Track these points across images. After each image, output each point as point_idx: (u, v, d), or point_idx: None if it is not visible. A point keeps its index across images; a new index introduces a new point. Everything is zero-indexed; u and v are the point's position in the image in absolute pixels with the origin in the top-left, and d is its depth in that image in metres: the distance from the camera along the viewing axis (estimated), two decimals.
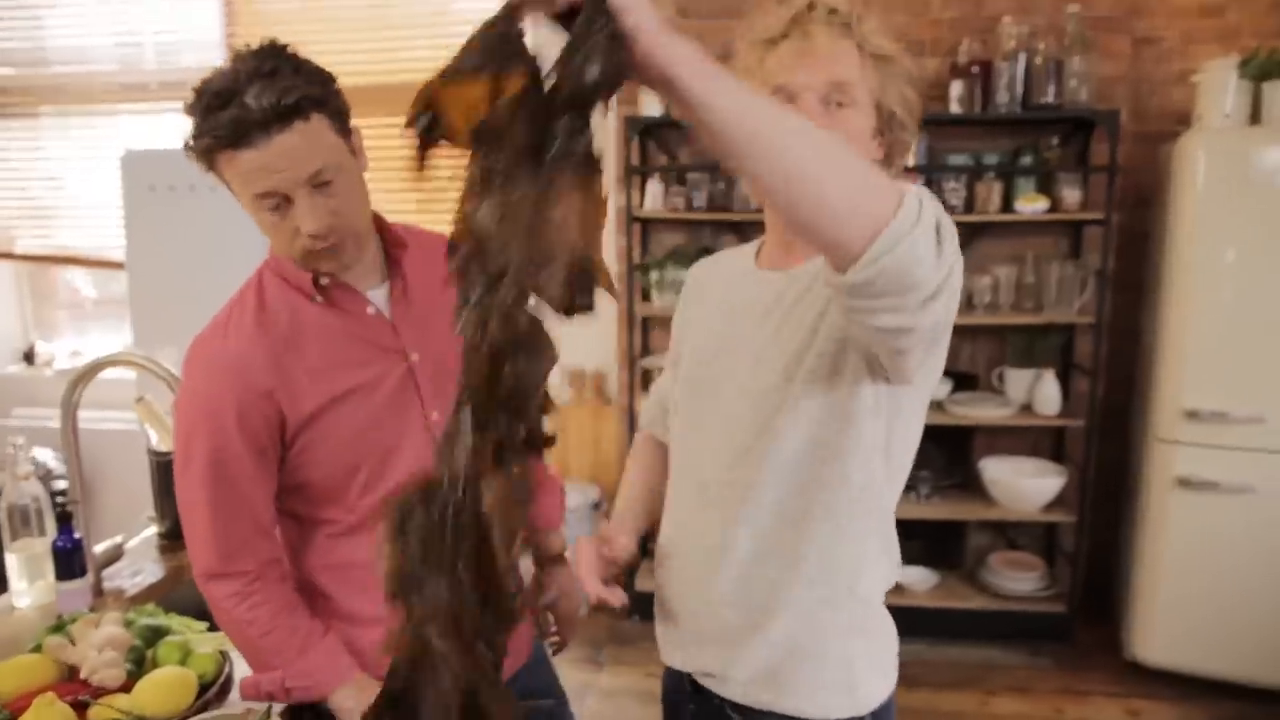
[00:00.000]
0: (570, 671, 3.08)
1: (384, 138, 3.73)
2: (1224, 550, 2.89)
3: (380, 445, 1.22)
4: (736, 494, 1.12)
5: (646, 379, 3.48)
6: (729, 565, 1.13)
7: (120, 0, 3.90)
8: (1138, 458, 3.15)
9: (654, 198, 3.26)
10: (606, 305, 3.05)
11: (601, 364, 3.63)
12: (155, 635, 1.36)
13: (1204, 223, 2.80)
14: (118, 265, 3.80)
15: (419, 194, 3.74)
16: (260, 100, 1.06)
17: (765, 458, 1.09)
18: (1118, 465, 3.31)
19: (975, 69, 3.05)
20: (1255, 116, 2.83)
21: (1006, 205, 3.10)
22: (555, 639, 1.54)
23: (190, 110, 1.10)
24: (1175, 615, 2.98)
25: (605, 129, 0.74)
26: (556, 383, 3.73)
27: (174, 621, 1.41)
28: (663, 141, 3.44)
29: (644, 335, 3.55)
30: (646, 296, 3.37)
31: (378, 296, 1.26)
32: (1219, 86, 2.87)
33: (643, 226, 3.46)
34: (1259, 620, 2.87)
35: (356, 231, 1.20)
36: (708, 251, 3.35)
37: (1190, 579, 2.94)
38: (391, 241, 1.29)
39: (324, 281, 1.22)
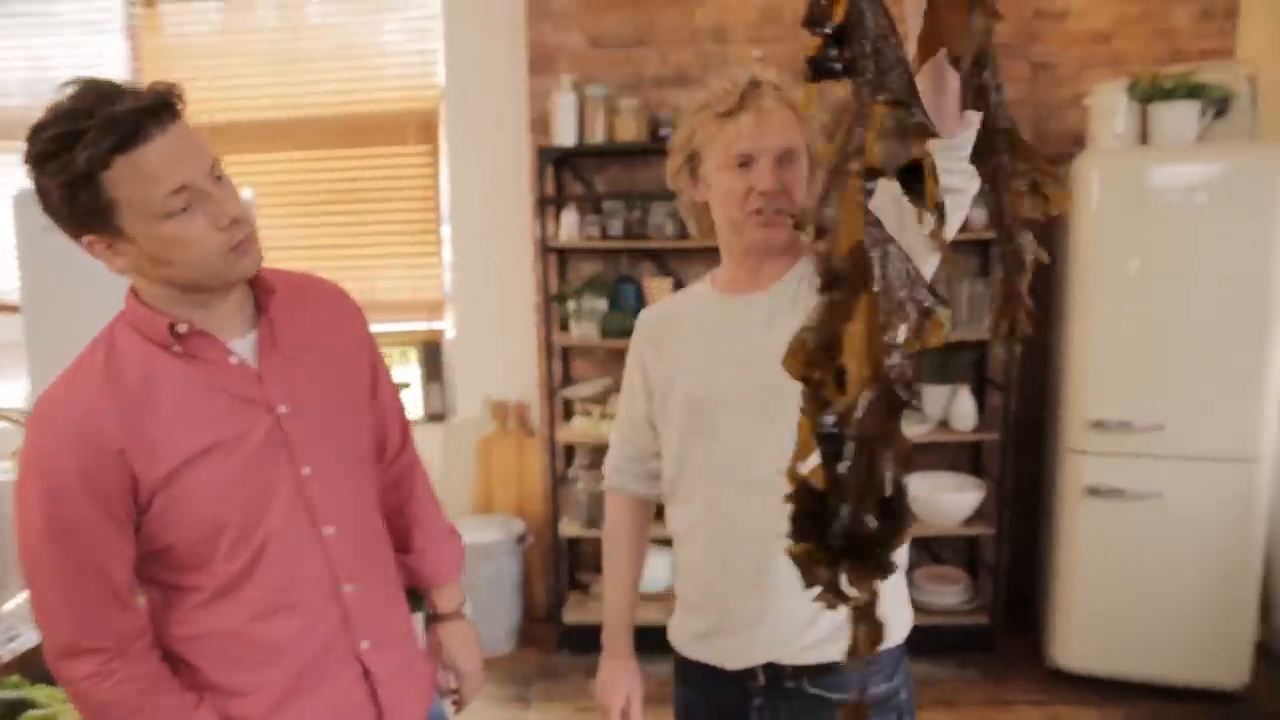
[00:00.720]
0: (496, 711, 3.03)
1: (293, 172, 3.70)
2: (1134, 555, 2.98)
3: (246, 504, 1.15)
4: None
5: (568, 409, 3.45)
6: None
7: (27, 35, 3.78)
8: (1050, 469, 3.23)
9: (570, 227, 3.25)
10: (527, 335, 3.04)
11: (524, 395, 3.60)
12: (15, 710, 1.28)
13: (1100, 239, 2.90)
14: (12, 309, 3.65)
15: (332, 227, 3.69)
16: (137, 101, 1.01)
17: None
18: (1033, 477, 3.39)
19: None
20: (1144, 137, 2.95)
21: None
22: (455, 696, 1.50)
23: (52, 142, 1.01)
24: (1091, 621, 3.05)
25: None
26: (479, 415, 3.69)
27: (40, 694, 1.33)
28: (578, 170, 3.44)
29: (565, 365, 3.53)
30: (565, 326, 3.35)
31: (243, 345, 1.19)
32: (1110, 109, 2.98)
33: (560, 256, 3.45)
34: (1169, 621, 2.95)
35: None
36: (627, 280, 3.37)
37: (1103, 585, 3.02)
38: (260, 286, 1.21)
39: (182, 329, 1.13)
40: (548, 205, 3.28)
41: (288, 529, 1.19)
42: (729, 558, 1.33)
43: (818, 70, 0.78)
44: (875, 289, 0.76)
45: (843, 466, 0.76)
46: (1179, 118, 2.87)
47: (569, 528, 3.35)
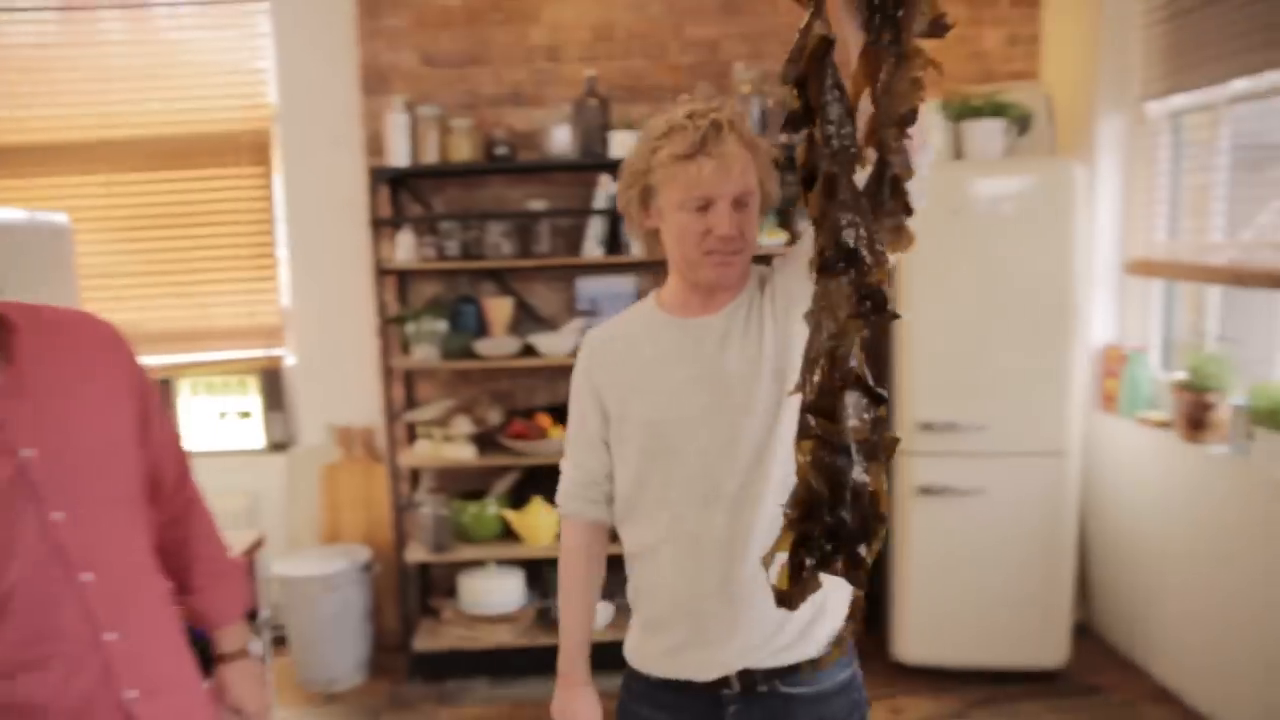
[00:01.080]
0: None
1: (116, 195, 3.52)
2: (962, 548, 3.13)
3: None
4: (753, 494, 1.32)
5: (412, 433, 3.39)
6: (752, 554, 1.31)
7: None
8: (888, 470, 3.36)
9: (406, 248, 3.20)
10: (369, 360, 2.94)
11: (369, 420, 3.52)
12: None
13: (920, 250, 3.04)
14: None
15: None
16: None
17: (774, 454, 1.31)
18: None
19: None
20: (958, 152, 3.12)
21: None
22: None
23: None
24: (928, 614, 3.19)
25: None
26: (323, 443, 3.58)
27: None
28: (415, 191, 3.40)
29: (408, 388, 3.47)
30: (407, 349, 3.29)
31: None
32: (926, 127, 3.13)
33: (400, 278, 3.39)
34: (996, 609, 3.10)
35: None
36: (467, 300, 3.33)
37: (936, 578, 3.16)
38: (3, 326, 1.15)
39: None
40: (383, 226, 3.22)
41: (36, 578, 1.13)
42: (698, 571, 1.35)
43: (794, 124, 0.98)
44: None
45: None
46: (987, 134, 3.06)
47: (416, 553, 3.28)
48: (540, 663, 3.26)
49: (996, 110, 3.03)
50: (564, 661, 1.49)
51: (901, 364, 3.14)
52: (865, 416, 0.96)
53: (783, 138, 1.47)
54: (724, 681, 1.36)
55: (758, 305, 1.36)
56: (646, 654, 1.43)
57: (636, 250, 1.46)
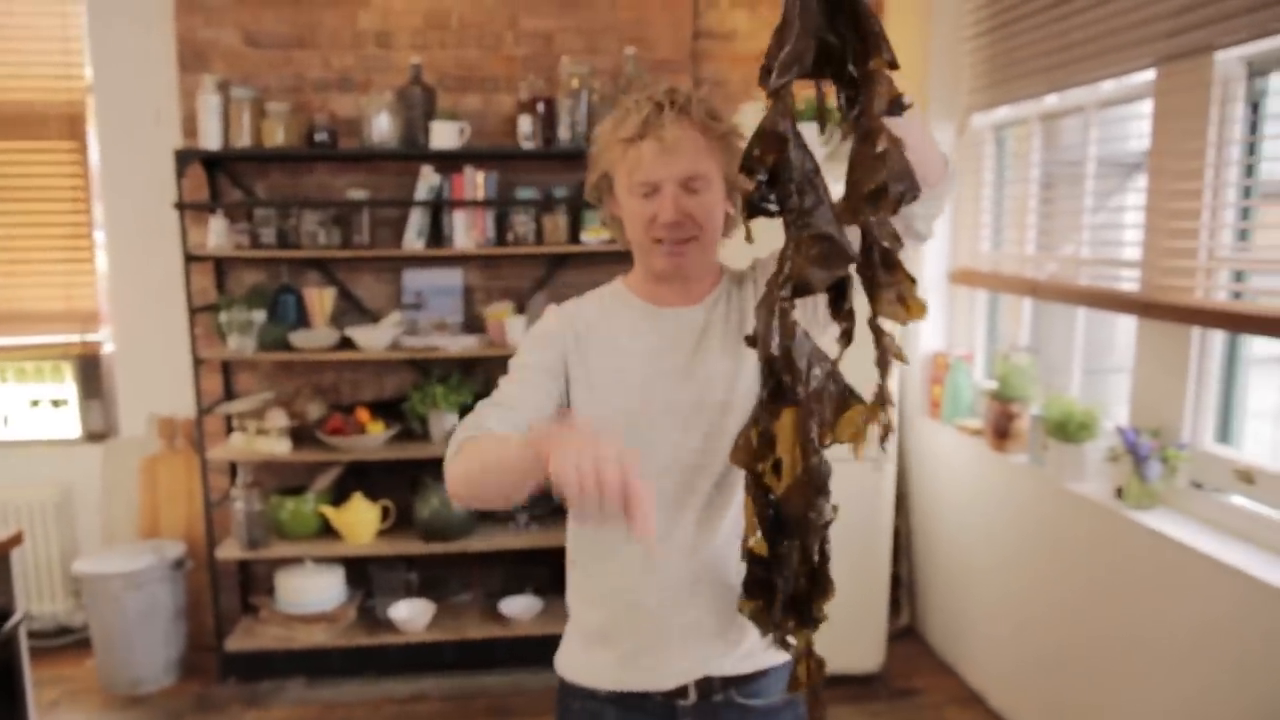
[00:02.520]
0: None
1: None
2: None
3: None
4: (726, 498, 1.29)
5: (230, 426, 3.28)
6: (720, 554, 1.29)
7: None
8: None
9: (219, 235, 3.08)
10: (189, 349, 2.79)
11: (191, 411, 3.38)
12: None
13: (742, 251, 3.04)
14: None
15: None
16: None
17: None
18: None
19: (540, 105, 3.14)
20: None
21: (574, 236, 3.21)
22: None
23: None
24: None
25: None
26: (144, 434, 3.45)
27: None
28: (235, 176, 3.27)
29: (226, 379, 3.36)
30: (224, 339, 3.17)
31: None
32: (751, 127, 3.13)
33: (217, 266, 3.27)
34: None
35: None
36: (288, 290, 3.23)
37: None
38: None
39: None
40: (194, 211, 3.10)
41: None
42: (663, 574, 1.28)
43: (752, 210, 1.03)
44: (800, 395, 1.00)
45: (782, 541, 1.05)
46: (809, 139, 3.05)
47: (230, 549, 3.18)
48: (359, 663, 3.22)
49: (818, 114, 3.02)
50: (532, 438, 1.05)
51: None
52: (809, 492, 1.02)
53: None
54: (681, 691, 1.31)
55: (739, 300, 1.32)
56: (594, 667, 1.35)
57: (620, 243, 1.35)
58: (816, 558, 1.05)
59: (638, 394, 1.28)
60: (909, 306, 1.00)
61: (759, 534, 1.07)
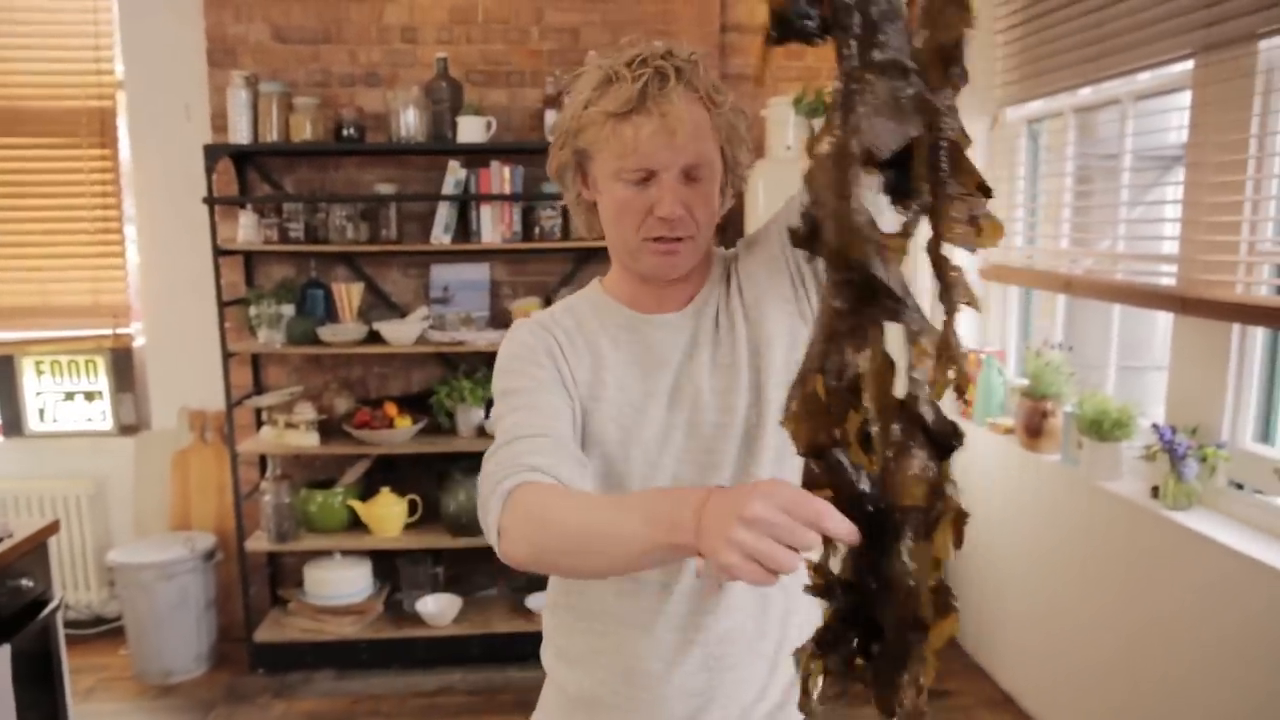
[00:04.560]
0: None
1: None
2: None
3: None
4: None
5: (259, 418, 3.31)
6: (732, 602, 1.10)
7: None
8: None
9: (248, 229, 3.11)
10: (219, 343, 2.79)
11: (222, 404, 3.41)
12: None
13: None
14: None
15: None
16: None
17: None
18: None
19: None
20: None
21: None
22: None
23: None
24: None
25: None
26: (175, 427, 3.49)
27: None
28: (264, 171, 3.29)
29: (256, 373, 3.38)
30: (253, 332, 3.20)
31: None
32: (780, 122, 3.11)
33: (247, 259, 3.30)
34: None
35: None
36: (316, 285, 3.25)
37: None
38: None
39: None
40: (224, 206, 3.13)
41: None
42: (663, 629, 1.08)
43: (784, 27, 0.66)
44: (903, 304, 0.66)
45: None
46: None
47: (259, 541, 3.21)
48: (386, 656, 3.23)
49: None
50: (645, 504, 0.87)
51: None
52: (927, 471, 0.67)
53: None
54: None
55: (724, 303, 1.12)
56: None
57: (583, 232, 1.16)
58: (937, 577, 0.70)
59: (626, 417, 1.09)
60: (982, 228, 0.69)
61: (839, 549, 0.73)
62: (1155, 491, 2.35)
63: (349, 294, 3.21)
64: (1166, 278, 2.42)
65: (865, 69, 0.65)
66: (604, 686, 1.11)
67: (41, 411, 3.49)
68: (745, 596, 1.09)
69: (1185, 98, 2.34)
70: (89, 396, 3.51)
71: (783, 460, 1.08)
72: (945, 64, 0.67)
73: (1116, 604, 2.47)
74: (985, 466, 3.19)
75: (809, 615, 0.82)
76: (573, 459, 0.99)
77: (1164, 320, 2.56)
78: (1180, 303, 2.30)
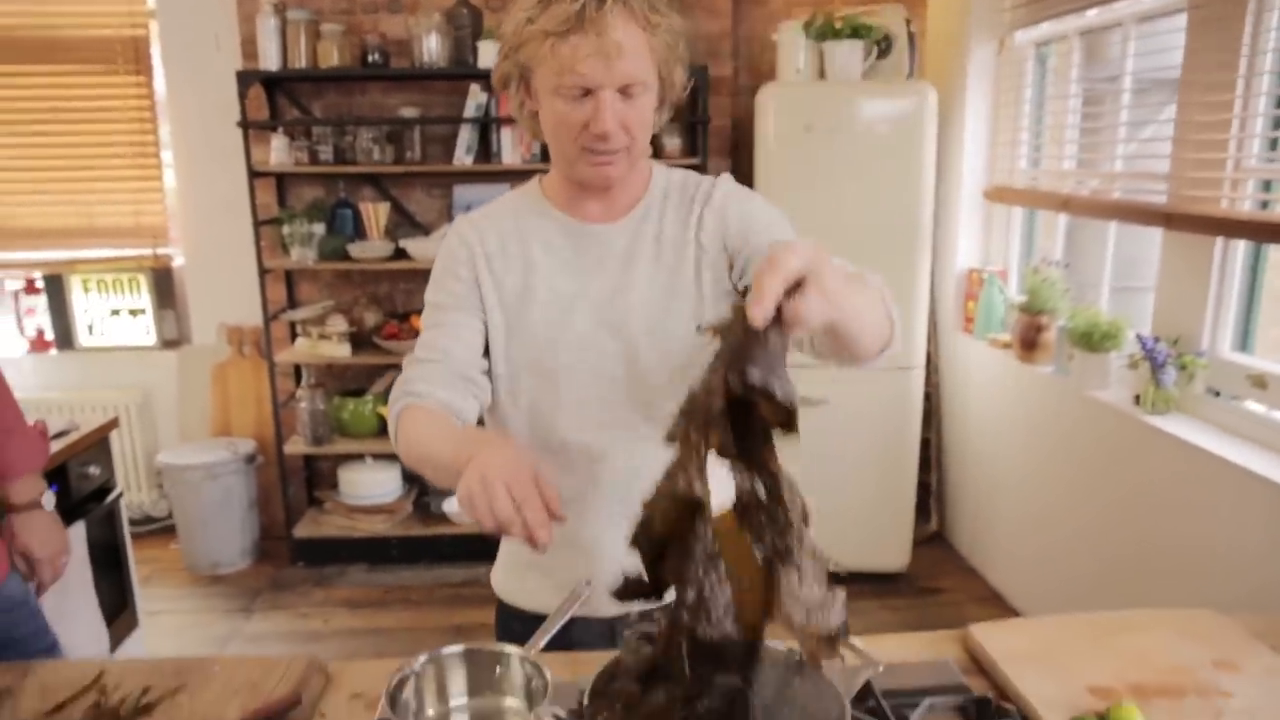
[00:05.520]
0: (216, 622, 3.13)
1: None
2: (811, 457, 3.27)
3: None
4: (655, 427, 1.12)
5: (294, 332, 3.50)
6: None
7: None
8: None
9: (280, 152, 3.25)
10: (255, 261, 2.94)
11: (258, 319, 3.60)
12: None
13: (775, 165, 3.13)
14: None
15: None
16: None
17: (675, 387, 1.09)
18: None
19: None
20: (821, 72, 3.17)
21: None
22: (35, 581, 1.59)
23: None
24: None
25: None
26: (214, 341, 3.69)
27: None
28: (293, 96, 3.42)
29: (289, 289, 3.56)
30: (287, 250, 3.37)
31: None
32: (791, 46, 3.18)
33: (279, 181, 3.45)
34: (843, 515, 3.27)
35: None
36: (344, 204, 3.40)
37: None
38: None
39: None
40: (256, 130, 3.26)
41: None
42: (595, 501, 1.20)
43: (626, 590, 0.86)
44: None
45: None
46: (847, 56, 3.10)
47: (295, 445, 3.44)
48: (416, 551, 3.48)
49: (856, 32, 3.07)
50: (457, 444, 1.00)
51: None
52: None
53: None
54: (622, 616, 1.23)
55: (670, 219, 1.20)
56: (530, 591, 1.28)
57: (534, 136, 1.26)
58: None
59: (552, 316, 1.17)
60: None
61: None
62: (1138, 399, 2.49)
63: (376, 213, 3.37)
64: (1157, 195, 2.52)
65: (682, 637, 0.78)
66: (547, 551, 1.23)
67: (90, 327, 3.70)
68: None
69: (1184, 19, 2.41)
70: (133, 313, 3.71)
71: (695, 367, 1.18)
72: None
73: (1100, 504, 2.63)
74: (983, 379, 3.33)
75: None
76: (457, 382, 1.14)
77: (1158, 242, 2.67)
78: (1167, 218, 2.40)
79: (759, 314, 0.74)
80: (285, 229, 3.28)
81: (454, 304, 1.19)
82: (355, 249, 3.29)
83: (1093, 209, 2.79)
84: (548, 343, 1.18)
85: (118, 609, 2.55)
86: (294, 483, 3.60)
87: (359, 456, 3.50)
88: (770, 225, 1.21)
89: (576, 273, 1.19)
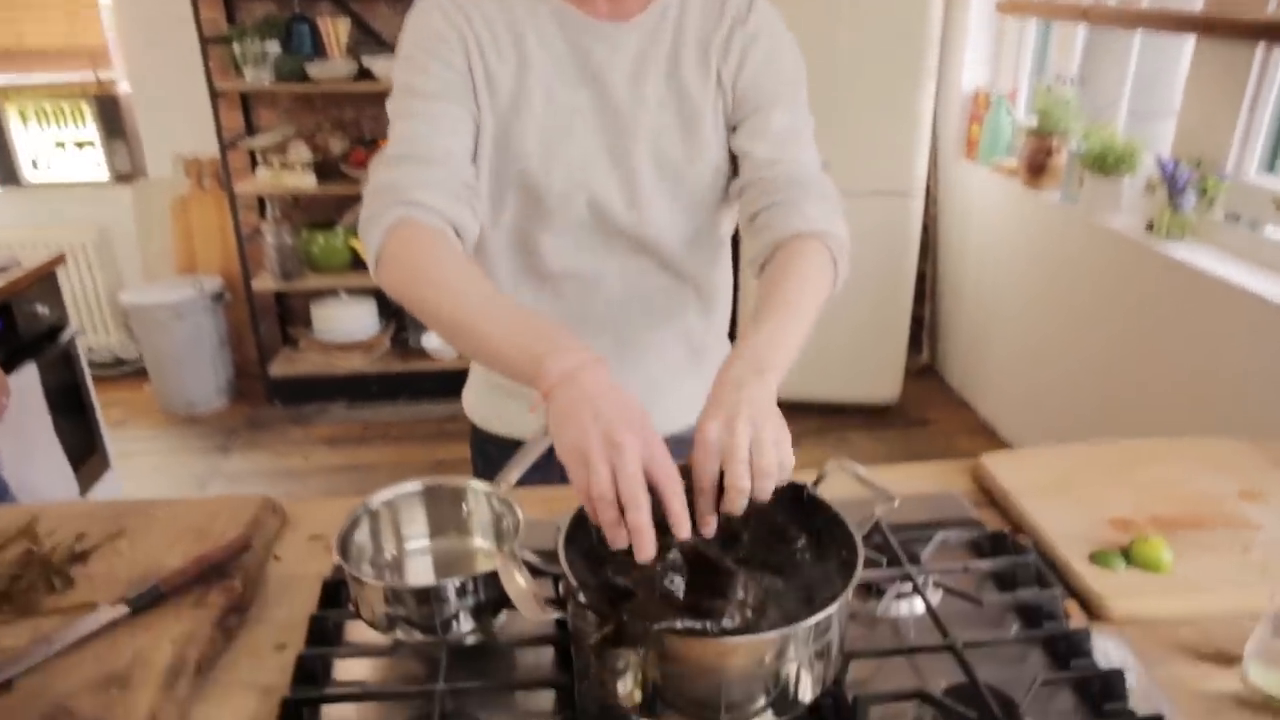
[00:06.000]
0: (193, 461, 3.08)
1: None
2: None
3: None
4: (649, 260, 1.09)
5: (254, 161, 3.28)
6: (653, 312, 1.13)
7: None
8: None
9: None
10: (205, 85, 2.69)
11: (216, 150, 3.37)
12: None
13: None
14: None
15: None
16: None
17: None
18: None
19: None
20: None
21: None
22: None
23: None
24: None
25: None
26: (171, 174, 3.46)
27: None
28: None
29: (247, 115, 3.31)
30: (240, 73, 3.10)
31: None
32: None
33: None
34: (835, 346, 3.18)
35: None
36: (301, 19, 3.10)
37: None
38: None
39: None
40: None
41: None
42: (580, 327, 1.06)
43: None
44: None
45: None
46: None
47: (264, 282, 3.29)
48: (395, 387, 3.40)
49: None
50: (539, 341, 0.78)
51: None
52: None
53: None
54: None
55: (693, 28, 1.01)
56: (506, 415, 1.18)
57: None
58: None
59: (548, 130, 0.99)
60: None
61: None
62: (1150, 226, 2.36)
63: (335, 29, 3.08)
64: (1191, 1, 2.29)
65: None
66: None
67: (34, 162, 3.46)
68: (660, 313, 1.12)
69: None
70: (80, 145, 3.45)
71: (700, 204, 1.06)
72: None
73: (1100, 334, 2.54)
74: (984, 207, 3.18)
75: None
76: (462, 191, 0.93)
77: (1185, 62, 2.45)
78: (1204, 24, 2.19)
79: (707, 531, 0.73)
80: (236, 47, 3.00)
81: (443, 91, 0.95)
82: (314, 69, 3.03)
83: (1117, 18, 2.56)
84: (540, 161, 0.99)
85: (85, 452, 2.47)
86: (266, 320, 3.47)
87: (332, 292, 3.36)
88: (779, 92, 1.02)
89: (577, 79, 0.99)
